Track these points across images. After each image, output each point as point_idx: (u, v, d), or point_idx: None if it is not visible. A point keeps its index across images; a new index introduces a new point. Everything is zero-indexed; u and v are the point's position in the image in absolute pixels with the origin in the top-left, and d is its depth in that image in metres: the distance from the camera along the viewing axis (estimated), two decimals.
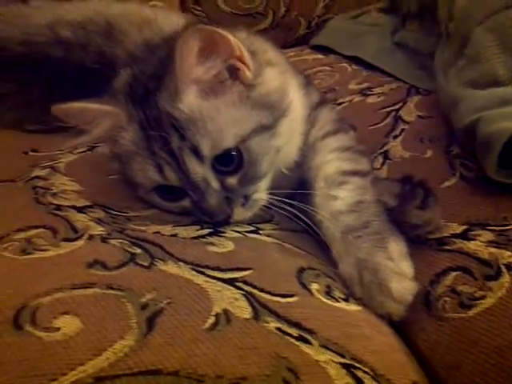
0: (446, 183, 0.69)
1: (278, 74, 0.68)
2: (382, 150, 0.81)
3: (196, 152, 0.61)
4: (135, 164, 0.64)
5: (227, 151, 0.62)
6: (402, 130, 0.83)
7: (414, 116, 0.86)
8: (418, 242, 0.63)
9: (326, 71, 1.18)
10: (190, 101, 0.61)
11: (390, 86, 1.00)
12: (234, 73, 0.63)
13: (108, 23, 0.90)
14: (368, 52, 1.16)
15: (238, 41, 0.62)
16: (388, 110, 0.91)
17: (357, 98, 0.99)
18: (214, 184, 0.63)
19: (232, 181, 0.64)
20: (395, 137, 0.82)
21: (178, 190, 0.65)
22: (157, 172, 0.63)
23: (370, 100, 0.97)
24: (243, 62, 0.63)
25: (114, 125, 0.64)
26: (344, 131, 0.77)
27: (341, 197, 0.65)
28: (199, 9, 1.53)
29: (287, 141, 0.68)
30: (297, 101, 0.70)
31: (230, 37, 0.61)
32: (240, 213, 0.65)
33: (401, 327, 0.59)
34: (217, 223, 0.64)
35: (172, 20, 0.92)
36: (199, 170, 0.62)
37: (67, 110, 0.64)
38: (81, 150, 0.81)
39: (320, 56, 1.33)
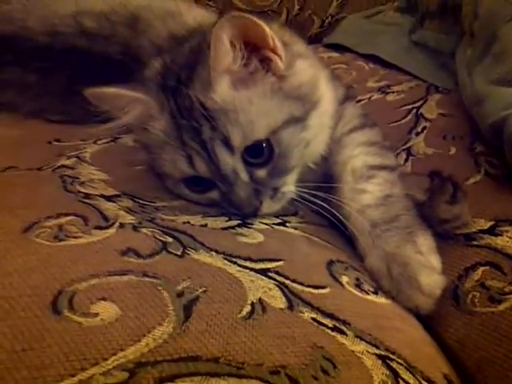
0: (472, 180, 0.70)
1: (309, 67, 0.68)
2: (404, 147, 0.81)
3: (227, 143, 0.61)
4: (164, 154, 0.65)
5: (258, 143, 0.62)
6: (424, 127, 0.84)
7: (436, 114, 0.86)
8: (446, 237, 0.63)
9: (343, 69, 1.18)
10: (222, 91, 0.61)
11: (409, 85, 1.01)
12: (266, 63, 0.64)
13: (132, 15, 0.90)
14: (385, 51, 1.16)
15: (271, 31, 0.62)
16: (409, 107, 0.91)
17: (376, 96, 0.99)
18: (244, 176, 0.63)
19: (261, 173, 0.64)
20: (417, 134, 0.82)
21: (207, 181, 0.65)
22: (187, 163, 0.63)
23: (390, 98, 0.97)
24: (276, 53, 0.63)
25: (144, 113, 0.65)
26: (370, 126, 0.77)
27: (369, 190, 0.65)
28: (214, 5, 1.54)
29: (316, 134, 0.68)
30: (327, 94, 0.70)
31: (265, 26, 0.61)
32: (268, 205, 0.65)
33: (428, 321, 0.59)
34: (245, 215, 0.64)
35: (195, 13, 0.93)
36: (229, 161, 0.62)
37: (100, 94, 0.63)
38: (104, 141, 0.81)
39: (335, 54, 1.33)
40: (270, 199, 0.65)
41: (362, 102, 0.98)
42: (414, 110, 0.89)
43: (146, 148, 0.68)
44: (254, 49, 0.62)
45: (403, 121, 0.88)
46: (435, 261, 0.59)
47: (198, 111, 0.61)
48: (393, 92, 0.99)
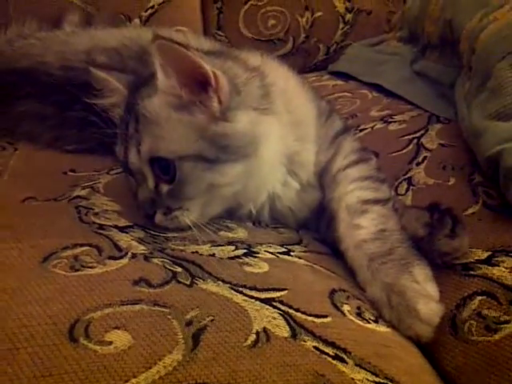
0: (470, 210, 0.72)
1: (250, 123, 0.69)
2: (405, 177, 0.83)
3: (138, 146, 0.68)
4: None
5: (162, 159, 0.67)
6: (425, 157, 0.86)
7: (436, 144, 0.89)
8: (444, 267, 0.65)
9: (347, 97, 1.22)
10: (153, 103, 0.68)
11: (411, 114, 1.04)
12: (206, 98, 0.67)
13: (142, 48, 0.94)
14: (389, 80, 1.20)
15: (216, 70, 0.66)
16: (410, 137, 0.94)
17: (379, 125, 1.02)
18: (150, 182, 0.69)
19: (164, 188, 0.69)
20: (418, 164, 0.85)
21: None
22: (117, 146, 0.73)
23: (392, 127, 1.00)
24: (217, 94, 0.67)
25: (117, 101, 0.75)
26: (365, 161, 0.79)
27: (364, 226, 0.68)
28: (222, 34, 1.58)
29: (236, 182, 0.70)
30: (266, 154, 0.71)
31: (203, 64, 0.64)
32: (160, 219, 0.69)
33: (427, 349, 0.62)
34: (145, 216, 0.69)
35: (202, 44, 0.97)
36: (135, 162, 0.69)
37: (95, 75, 0.75)
38: (116, 171, 0.85)
39: (340, 82, 1.37)
40: (163, 215, 0.69)
41: (366, 131, 1.01)
42: (415, 140, 0.92)
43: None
44: (198, 81, 0.66)
45: (404, 151, 0.90)
46: (432, 289, 0.62)
47: (135, 111, 0.69)
48: (395, 121, 1.02)
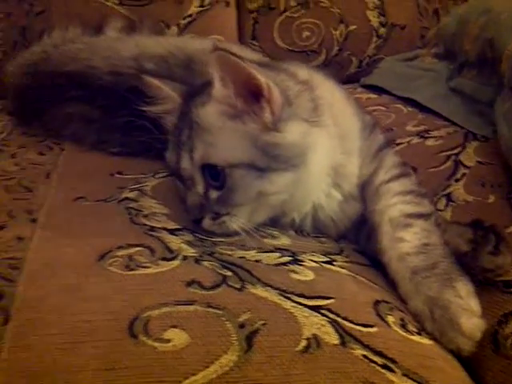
0: (510, 228, 0.73)
1: (302, 133, 0.71)
2: (444, 192, 0.85)
3: (190, 152, 0.70)
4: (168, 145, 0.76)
5: (214, 166, 0.69)
6: (464, 174, 0.87)
7: (474, 161, 0.90)
8: (486, 284, 0.67)
9: (382, 111, 1.23)
10: (207, 112, 0.71)
11: (447, 130, 1.05)
12: (258, 108, 0.69)
13: (188, 57, 0.97)
14: (424, 95, 1.21)
15: (269, 82, 0.68)
16: (447, 153, 0.95)
17: (415, 140, 1.04)
18: (200, 188, 0.71)
19: (213, 194, 0.71)
20: (457, 180, 0.86)
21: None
22: (168, 151, 0.75)
23: (429, 143, 1.01)
24: (269, 105, 0.69)
25: (170, 108, 0.77)
26: (406, 175, 0.80)
27: (407, 239, 0.69)
28: (256, 44, 1.61)
29: (284, 191, 0.71)
30: (316, 165, 0.73)
31: (257, 75, 0.67)
32: (208, 224, 0.71)
33: (468, 364, 0.63)
34: (193, 221, 0.72)
35: (253, 57, 0.99)
36: (188, 167, 0.71)
37: (149, 83, 0.78)
38: (162, 175, 0.87)
39: (373, 95, 1.38)
40: (211, 220, 0.71)
41: (402, 146, 1.03)
42: (453, 157, 0.93)
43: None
44: (252, 92, 0.69)
45: (442, 167, 0.92)
46: (475, 305, 0.63)
47: (188, 118, 0.72)
48: (432, 137, 1.03)
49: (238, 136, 0.69)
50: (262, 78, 0.67)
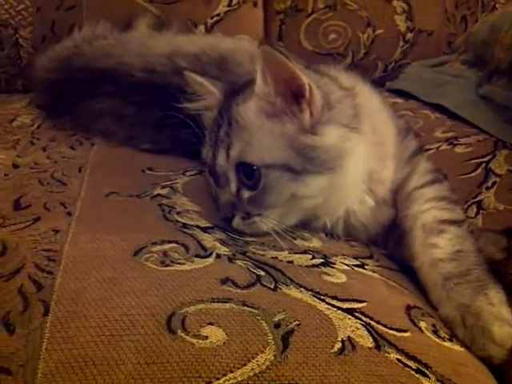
0: None
1: (339, 138, 0.71)
2: (475, 200, 0.84)
3: (227, 149, 0.70)
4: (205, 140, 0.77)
5: (249, 166, 0.70)
6: (494, 182, 0.87)
7: (505, 170, 0.90)
8: None
9: (410, 116, 1.23)
10: (247, 109, 0.71)
11: (477, 138, 1.04)
12: (298, 109, 0.69)
13: (222, 56, 0.98)
14: (452, 102, 1.20)
15: (312, 83, 0.68)
16: (478, 161, 0.94)
17: (444, 146, 1.03)
18: (233, 186, 0.71)
19: (246, 194, 0.71)
20: (488, 188, 0.86)
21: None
22: (205, 148, 0.76)
23: (459, 150, 1.00)
24: (309, 107, 0.69)
25: (211, 103, 0.78)
26: (439, 181, 0.81)
27: (440, 245, 0.69)
28: (282, 45, 1.61)
29: (318, 195, 0.71)
30: (352, 170, 0.72)
31: (301, 76, 0.67)
32: (238, 223, 0.71)
33: (498, 372, 0.62)
34: (223, 219, 0.72)
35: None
36: (223, 164, 0.71)
37: (191, 79, 0.79)
38: (192, 173, 0.88)
39: (400, 100, 1.38)
40: (241, 219, 0.71)
41: (431, 152, 1.02)
42: (483, 165, 0.93)
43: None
44: (293, 92, 0.69)
45: (473, 174, 0.91)
46: (507, 313, 0.62)
47: (228, 114, 0.72)
48: (461, 144, 1.02)
49: (275, 136, 0.69)
50: (305, 78, 0.67)
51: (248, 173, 0.70)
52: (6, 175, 0.85)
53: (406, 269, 0.75)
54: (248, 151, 0.70)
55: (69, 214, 0.72)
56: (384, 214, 0.78)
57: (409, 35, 1.61)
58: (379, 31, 1.59)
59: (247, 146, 0.70)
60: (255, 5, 1.57)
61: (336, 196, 0.73)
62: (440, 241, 0.69)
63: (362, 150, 0.74)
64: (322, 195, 0.72)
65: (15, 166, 0.90)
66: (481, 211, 0.82)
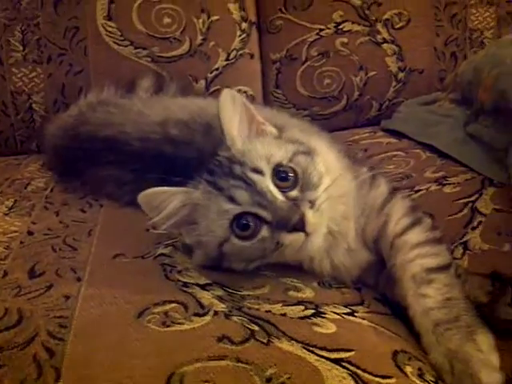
0: None
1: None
2: (461, 241, 0.88)
3: (255, 169, 0.75)
4: (204, 218, 0.77)
5: (281, 166, 0.75)
6: (480, 222, 0.91)
7: (491, 209, 0.94)
8: (504, 334, 0.70)
9: (401, 156, 1.28)
10: (238, 143, 0.79)
11: (465, 177, 1.08)
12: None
13: (207, 123, 1.00)
14: (442, 141, 1.25)
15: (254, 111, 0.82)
16: (465, 201, 0.98)
17: (433, 187, 1.08)
18: (279, 196, 0.74)
19: (293, 194, 0.75)
20: (473, 228, 0.90)
21: (253, 221, 0.74)
22: (228, 202, 0.74)
23: (447, 190, 1.05)
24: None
25: (185, 198, 0.78)
26: (419, 223, 0.83)
27: (431, 295, 0.73)
28: (279, 91, 1.69)
29: (327, 172, 0.79)
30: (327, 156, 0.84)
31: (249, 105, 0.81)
32: (312, 215, 0.72)
33: None
34: (295, 227, 0.71)
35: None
36: (262, 181, 0.74)
37: (148, 197, 0.79)
38: None
39: (393, 140, 1.43)
40: (311, 209, 0.73)
41: (421, 193, 1.07)
42: (470, 204, 0.97)
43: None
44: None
45: (459, 214, 0.95)
46: (495, 359, 0.65)
47: (227, 160, 0.78)
48: (449, 184, 1.07)
49: (270, 143, 0.81)
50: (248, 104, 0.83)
51: (282, 176, 0.76)
52: (21, 243, 0.92)
53: (397, 306, 0.79)
54: (269, 156, 0.77)
55: (78, 279, 0.78)
56: (359, 259, 0.83)
57: (400, 75, 1.68)
58: (372, 73, 1.66)
59: (265, 155, 0.77)
60: (252, 57, 1.66)
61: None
62: (430, 291, 0.73)
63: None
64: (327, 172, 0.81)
65: (30, 233, 0.97)
66: (467, 252, 0.85)
